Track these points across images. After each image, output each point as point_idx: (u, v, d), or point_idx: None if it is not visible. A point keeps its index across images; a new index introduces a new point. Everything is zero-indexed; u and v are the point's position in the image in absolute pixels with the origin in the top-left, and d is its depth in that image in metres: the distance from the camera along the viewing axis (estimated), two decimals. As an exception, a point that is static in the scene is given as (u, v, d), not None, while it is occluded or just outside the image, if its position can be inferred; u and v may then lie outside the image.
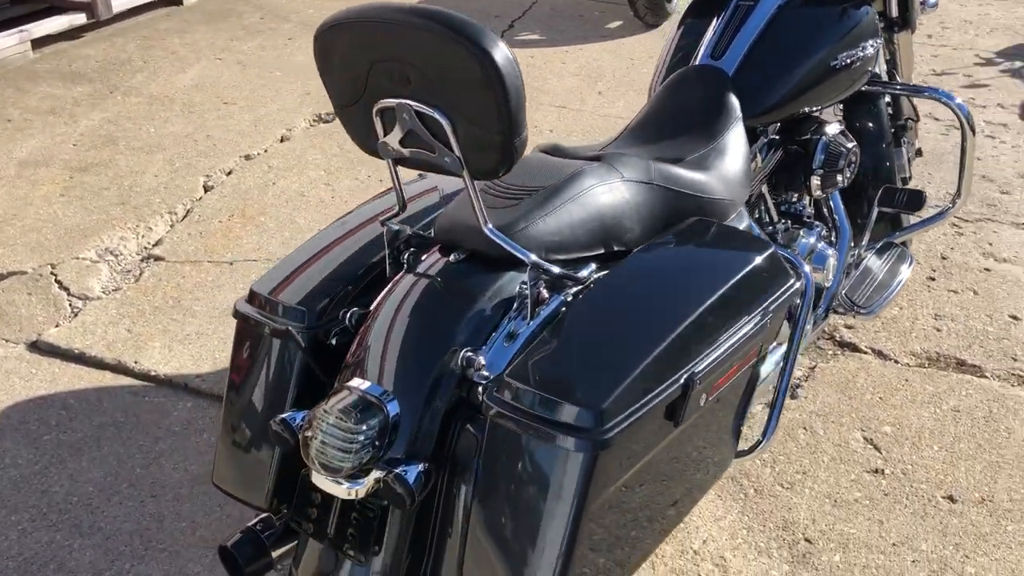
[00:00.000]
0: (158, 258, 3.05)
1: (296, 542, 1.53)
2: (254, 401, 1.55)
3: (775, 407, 1.67)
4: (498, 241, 1.40)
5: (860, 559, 1.94)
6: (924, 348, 2.63)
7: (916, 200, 2.36)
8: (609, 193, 1.58)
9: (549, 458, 1.24)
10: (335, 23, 1.37)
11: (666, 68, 2.15)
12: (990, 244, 3.22)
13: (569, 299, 1.44)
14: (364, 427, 1.31)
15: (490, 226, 1.40)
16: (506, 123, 1.29)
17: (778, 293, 1.51)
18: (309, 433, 1.32)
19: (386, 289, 1.52)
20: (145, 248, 3.12)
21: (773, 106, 2.03)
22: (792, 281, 1.55)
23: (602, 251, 1.57)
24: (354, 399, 1.33)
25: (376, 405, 1.33)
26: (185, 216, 3.31)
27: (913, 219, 2.63)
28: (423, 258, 1.54)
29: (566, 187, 1.55)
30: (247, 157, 3.76)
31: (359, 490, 1.33)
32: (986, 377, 2.52)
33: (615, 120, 4.18)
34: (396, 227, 1.58)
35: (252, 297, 1.56)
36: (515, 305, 1.43)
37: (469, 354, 1.38)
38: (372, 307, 1.52)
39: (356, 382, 1.37)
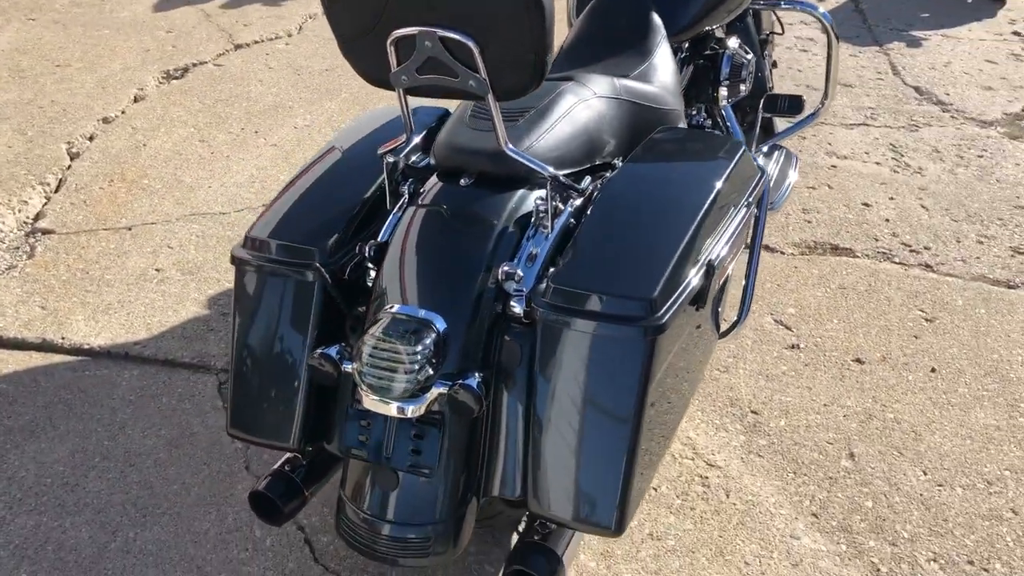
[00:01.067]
0: (46, 231, 2.89)
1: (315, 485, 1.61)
2: (272, 345, 1.56)
3: (748, 292, 1.89)
4: (520, 159, 1.49)
5: (801, 421, 2.22)
6: (802, 239, 2.96)
7: (796, 104, 2.64)
8: (589, 109, 1.71)
9: (610, 350, 1.36)
10: None
11: None
12: (830, 144, 3.62)
13: (575, 210, 1.56)
14: (420, 347, 1.38)
15: (511, 146, 1.49)
16: (540, 41, 1.35)
17: (754, 186, 1.71)
18: (360, 362, 1.38)
19: (400, 217, 1.57)
20: (26, 223, 2.94)
21: (687, 25, 2.22)
22: (760, 175, 1.75)
23: (588, 165, 1.70)
24: (404, 322, 1.40)
25: (427, 325, 1.40)
26: (60, 186, 3.14)
27: (785, 124, 2.94)
28: (428, 186, 1.60)
29: (555, 106, 1.66)
30: (105, 120, 3.57)
31: (419, 407, 1.40)
32: (858, 257, 2.88)
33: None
34: (392, 158, 1.63)
35: (251, 242, 1.57)
36: (533, 219, 1.53)
37: (506, 268, 1.47)
38: (389, 236, 1.57)
39: (401, 307, 1.44)
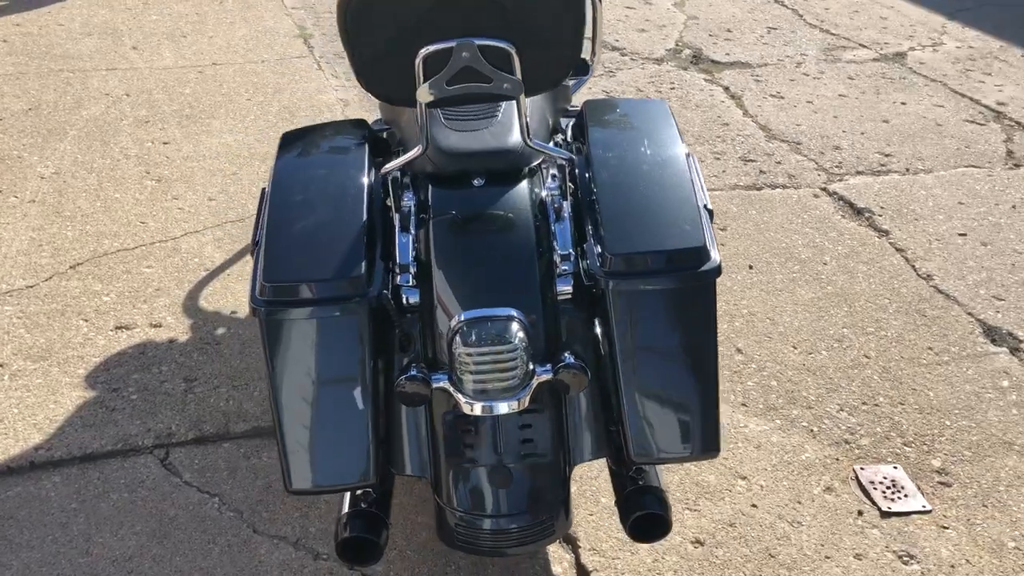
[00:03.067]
0: None
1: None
2: (325, 386, 1.52)
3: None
4: (543, 149, 1.63)
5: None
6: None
7: (584, 66, 2.98)
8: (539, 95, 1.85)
9: (685, 298, 1.53)
10: None
11: None
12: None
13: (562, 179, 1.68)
14: (515, 342, 1.46)
15: (534, 140, 1.60)
16: (578, 37, 1.47)
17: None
18: (460, 373, 1.45)
19: (424, 229, 1.60)
20: None
21: None
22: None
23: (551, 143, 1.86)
24: (488, 323, 1.47)
25: (509, 320, 1.48)
26: None
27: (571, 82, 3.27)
28: (436, 195, 1.63)
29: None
30: None
31: (526, 399, 1.50)
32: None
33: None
34: (394, 174, 1.67)
35: (274, 289, 1.49)
36: (550, 202, 1.64)
37: (561, 252, 1.58)
38: (418, 251, 1.60)
39: (470, 312, 1.49)
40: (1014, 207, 3.28)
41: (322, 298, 1.48)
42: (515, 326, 1.48)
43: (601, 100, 1.99)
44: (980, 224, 3.17)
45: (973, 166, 3.57)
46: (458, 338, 1.46)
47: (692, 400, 1.59)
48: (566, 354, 1.52)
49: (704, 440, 1.60)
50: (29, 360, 2.41)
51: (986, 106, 4.06)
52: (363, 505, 1.61)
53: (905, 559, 1.95)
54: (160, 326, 2.55)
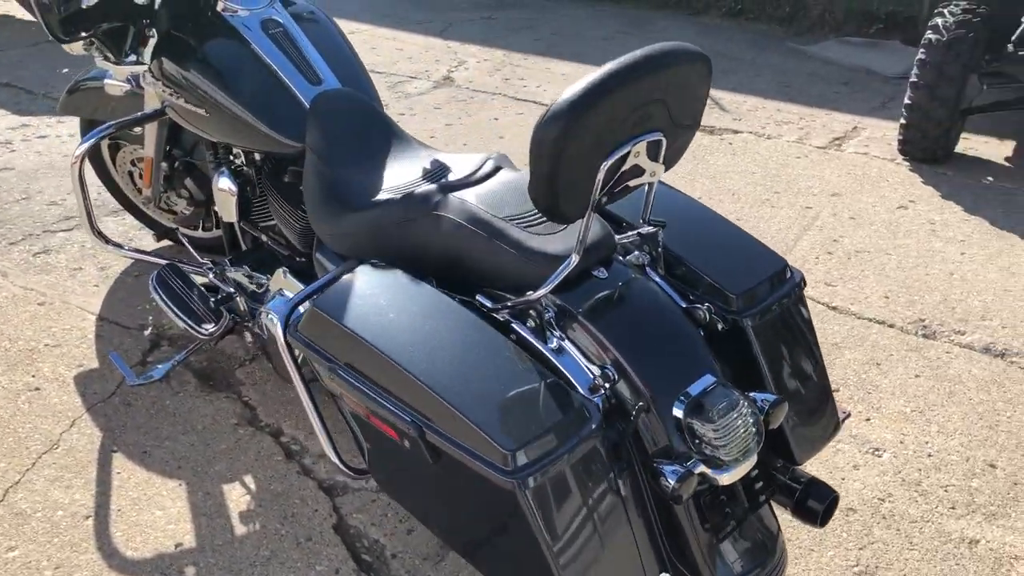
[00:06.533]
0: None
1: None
2: (607, 537, 1.49)
3: None
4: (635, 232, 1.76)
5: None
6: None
7: None
8: None
9: (792, 312, 1.76)
10: (600, 92, 1.39)
11: None
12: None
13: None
14: (743, 399, 1.51)
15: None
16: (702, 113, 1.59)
17: None
18: (724, 452, 1.47)
19: (597, 335, 1.59)
20: None
21: None
22: None
23: None
24: (712, 394, 1.51)
25: (720, 384, 1.54)
26: None
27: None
28: (577, 292, 1.61)
29: None
30: None
31: (762, 441, 1.53)
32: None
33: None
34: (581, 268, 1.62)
35: (521, 455, 1.40)
36: (649, 266, 1.76)
37: (704, 307, 1.69)
38: (601, 354, 1.58)
39: (698, 387, 1.53)
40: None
41: (569, 446, 1.42)
42: (728, 388, 1.52)
43: None
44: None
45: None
46: (695, 420, 1.48)
47: (819, 392, 1.81)
48: (756, 393, 1.59)
49: (833, 421, 1.84)
50: None
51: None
52: None
53: None
54: None
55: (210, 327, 2.37)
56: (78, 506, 2.16)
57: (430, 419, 1.50)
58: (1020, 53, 3.98)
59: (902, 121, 4.07)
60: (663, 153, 1.55)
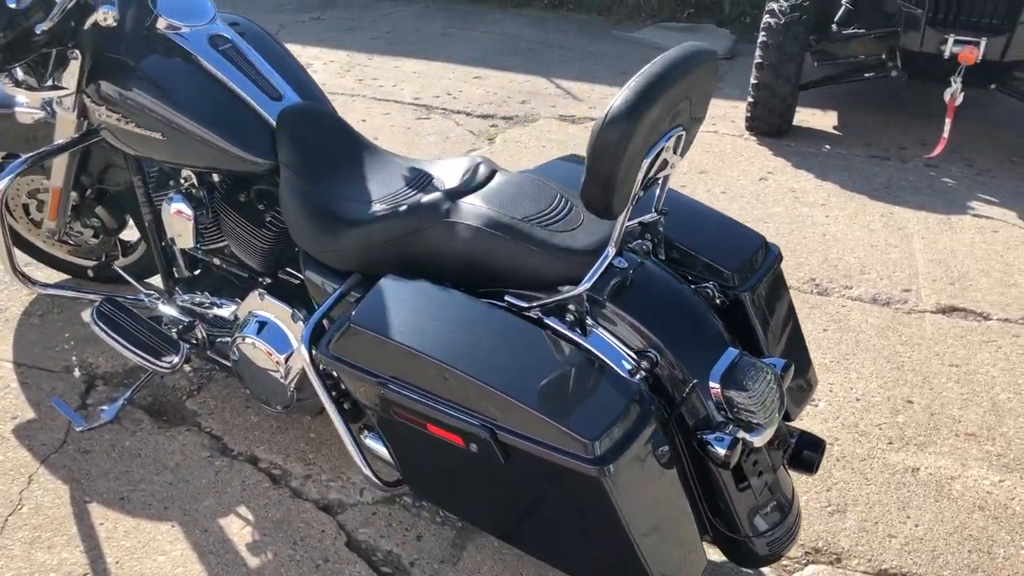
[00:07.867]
0: None
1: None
2: (663, 503, 1.64)
3: None
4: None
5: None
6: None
7: None
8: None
9: (777, 282, 1.95)
10: (651, 94, 1.49)
11: None
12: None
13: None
14: (766, 365, 1.65)
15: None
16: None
17: None
18: (762, 417, 1.60)
19: (628, 317, 1.70)
20: None
21: None
22: None
23: None
24: (739, 366, 1.63)
25: (743, 354, 1.67)
26: None
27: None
28: (607, 281, 1.71)
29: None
30: None
31: (785, 402, 1.68)
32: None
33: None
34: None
35: (603, 443, 1.50)
36: (653, 249, 1.88)
37: (712, 286, 1.85)
38: (631, 334, 1.70)
39: (725, 361, 1.65)
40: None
41: (645, 428, 1.54)
42: (749, 356, 1.65)
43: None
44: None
45: (799, 57, 4.10)
46: (731, 391, 1.60)
47: (802, 351, 2.00)
48: (768, 359, 1.76)
49: (814, 376, 2.04)
50: None
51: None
52: None
53: None
54: None
55: (173, 359, 2.27)
56: (69, 565, 2.03)
57: (499, 420, 1.57)
58: (844, 32, 4.46)
59: (750, 100, 4.42)
60: (683, 146, 1.69)
